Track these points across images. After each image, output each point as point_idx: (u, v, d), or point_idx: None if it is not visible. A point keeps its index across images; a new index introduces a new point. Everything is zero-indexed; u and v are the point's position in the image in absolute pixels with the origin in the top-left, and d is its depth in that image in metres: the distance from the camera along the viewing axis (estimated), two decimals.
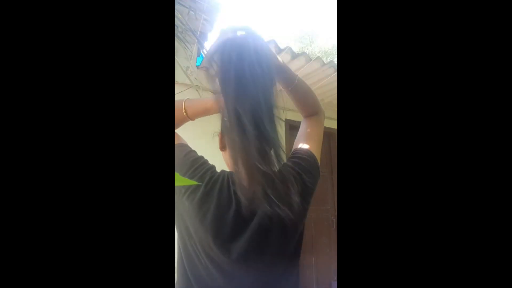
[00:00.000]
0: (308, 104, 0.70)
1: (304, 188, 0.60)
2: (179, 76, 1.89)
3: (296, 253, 0.60)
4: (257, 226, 0.56)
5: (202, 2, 1.62)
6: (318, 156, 0.66)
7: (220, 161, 0.66)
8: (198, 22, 1.68)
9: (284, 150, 0.61)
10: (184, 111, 0.64)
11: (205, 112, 0.65)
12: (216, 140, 0.68)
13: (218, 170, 0.62)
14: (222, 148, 0.66)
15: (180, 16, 1.52)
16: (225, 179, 0.59)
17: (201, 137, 1.84)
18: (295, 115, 2.53)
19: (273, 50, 1.72)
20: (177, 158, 0.60)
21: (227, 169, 0.64)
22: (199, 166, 0.59)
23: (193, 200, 0.55)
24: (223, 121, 0.64)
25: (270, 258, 0.56)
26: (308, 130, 0.70)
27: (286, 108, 2.46)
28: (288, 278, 0.58)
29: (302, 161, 0.63)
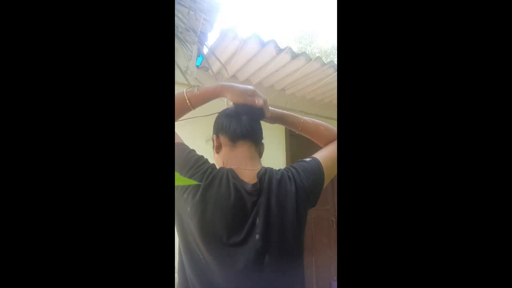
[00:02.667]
0: (323, 136, 0.75)
1: (301, 184, 0.62)
2: (179, 76, 1.89)
3: (298, 248, 0.61)
4: (256, 218, 0.57)
5: (202, 2, 1.62)
6: (324, 164, 0.67)
7: (212, 157, 0.67)
8: (198, 22, 1.68)
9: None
10: (187, 100, 0.67)
11: (207, 98, 0.67)
12: (210, 145, 0.71)
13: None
14: (218, 148, 0.68)
15: (180, 16, 1.52)
16: (225, 174, 0.61)
17: (201, 137, 1.84)
18: None
19: (274, 50, 1.71)
20: (177, 157, 0.61)
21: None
22: (201, 164, 0.62)
23: (195, 196, 0.57)
24: (214, 128, 0.68)
25: (272, 253, 0.56)
26: (322, 148, 0.75)
27: (286, 108, 2.47)
28: (293, 277, 0.58)
29: (305, 162, 0.67)
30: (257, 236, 0.56)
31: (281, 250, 0.57)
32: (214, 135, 0.69)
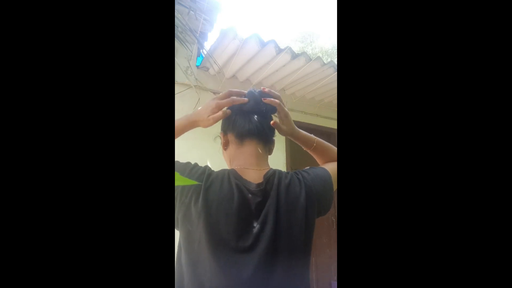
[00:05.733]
0: (329, 158, 0.74)
1: (311, 189, 0.61)
2: (179, 76, 1.90)
3: (306, 253, 0.59)
4: (265, 223, 0.55)
5: (202, 2, 1.62)
6: (332, 175, 0.66)
7: (219, 163, 0.66)
8: (198, 22, 1.68)
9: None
10: None
11: (181, 131, 0.67)
12: (218, 143, 0.70)
13: (214, 166, 0.63)
14: (225, 145, 0.67)
15: (180, 16, 1.52)
16: (226, 175, 0.60)
17: (203, 138, 1.84)
18: (295, 115, 2.53)
19: (273, 50, 1.72)
20: None
21: (221, 164, 0.65)
22: (193, 167, 0.61)
23: (197, 201, 0.55)
24: (223, 124, 0.67)
25: (281, 258, 0.55)
26: (324, 164, 0.74)
27: (286, 108, 2.46)
28: (299, 280, 0.57)
29: (314, 168, 0.67)
30: (266, 242, 0.54)
31: (290, 255, 0.55)
32: (222, 132, 0.69)
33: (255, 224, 0.56)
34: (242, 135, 0.64)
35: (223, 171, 0.61)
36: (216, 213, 0.55)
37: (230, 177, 0.59)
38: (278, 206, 0.57)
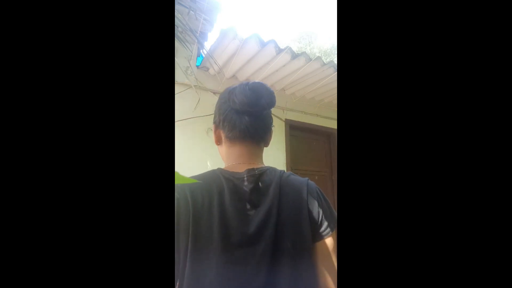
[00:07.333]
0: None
1: (312, 191, 0.60)
2: (179, 76, 1.90)
3: (308, 245, 0.55)
4: (268, 217, 0.54)
5: (202, 2, 1.62)
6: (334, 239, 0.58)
7: (219, 163, 0.66)
8: (198, 22, 1.68)
9: None
10: None
11: None
12: (211, 137, 0.69)
13: (214, 166, 0.63)
14: (218, 141, 0.66)
15: (180, 16, 1.52)
16: (211, 172, 0.60)
17: (203, 138, 1.84)
18: (295, 115, 2.53)
19: (273, 50, 1.72)
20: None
21: (222, 165, 0.65)
22: (178, 204, 0.57)
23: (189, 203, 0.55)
24: (215, 115, 0.65)
25: (285, 251, 0.53)
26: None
27: (286, 108, 2.47)
28: (302, 274, 0.54)
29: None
30: (269, 237, 0.52)
31: (294, 248, 0.53)
32: (214, 125, 0.66)
33: (253, 212, 0.54)
34: (232, 137, 0.62)
35: (210, 171, 0.61)
36: (207, 208, 0.54)
37: (217, 172, 0.59)
38: (280, 198, 0.55)
